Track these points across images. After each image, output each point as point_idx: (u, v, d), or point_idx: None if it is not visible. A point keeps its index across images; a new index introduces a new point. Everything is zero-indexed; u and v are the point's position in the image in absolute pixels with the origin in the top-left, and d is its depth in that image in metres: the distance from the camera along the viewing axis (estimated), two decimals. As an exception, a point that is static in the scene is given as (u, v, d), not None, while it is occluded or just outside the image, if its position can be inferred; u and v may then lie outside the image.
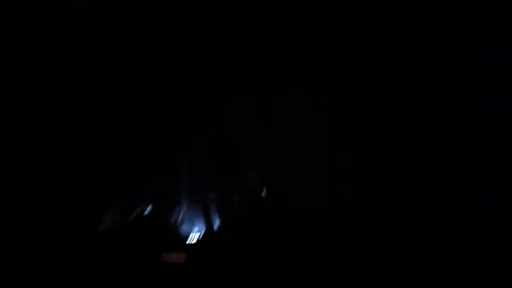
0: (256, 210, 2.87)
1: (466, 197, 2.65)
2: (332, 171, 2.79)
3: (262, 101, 2.99)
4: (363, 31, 2.96)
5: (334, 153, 2.83)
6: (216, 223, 2.91)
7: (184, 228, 2.93)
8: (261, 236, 2.72)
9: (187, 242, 2.87)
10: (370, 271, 2.59)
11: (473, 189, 2.66)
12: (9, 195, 2.75)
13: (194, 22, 3.00)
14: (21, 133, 2.86)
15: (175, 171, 3.00)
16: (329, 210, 2.70)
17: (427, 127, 2.81)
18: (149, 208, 2.94)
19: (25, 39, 2.89)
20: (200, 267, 2.73)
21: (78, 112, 2.93)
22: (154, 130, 3.00)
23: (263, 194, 2.91)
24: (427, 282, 2.55)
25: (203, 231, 2.91)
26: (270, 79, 2.97)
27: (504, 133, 2.70)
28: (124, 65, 2.97)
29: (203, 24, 3.01)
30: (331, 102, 2.91)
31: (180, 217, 2.95)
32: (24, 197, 2.76)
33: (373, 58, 2.93)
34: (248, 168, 2.96)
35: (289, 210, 2.78)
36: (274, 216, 2.79)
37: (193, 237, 2.89)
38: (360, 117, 2.87)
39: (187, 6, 3.01)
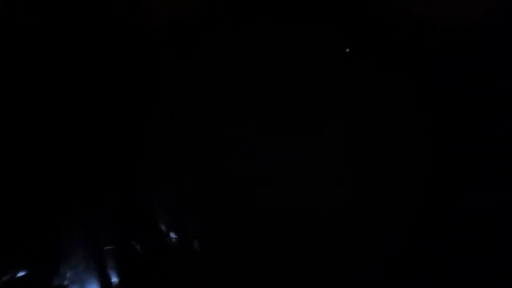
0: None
1: (466, 197, 2.65)
2: (330, 170, 2.80)
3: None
4: (362, 30, 2.96)
5: (331, 152, 2.83)
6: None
7: None
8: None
9: None
10: (370, 271, 2.60)
11: (473, 189, 2.66)
12: None
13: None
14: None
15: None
16: (328, 210, 2.71)
17: (427, 128, 2.81)
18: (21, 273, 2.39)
19: (24, 38, 2.89)
20: None
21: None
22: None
23: (172, 238, 2.60)
24: (427, 282, 2.55)
25: None
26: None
27: (504, 133, 2.70)
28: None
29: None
30: (327, 102, 2.90)
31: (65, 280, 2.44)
32: None
33: (373, 58, 2.93)
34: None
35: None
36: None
37: None
38: (357, 117, 2.87)
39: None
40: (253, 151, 2.86)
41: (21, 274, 2.35)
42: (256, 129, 2.89)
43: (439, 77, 2.85)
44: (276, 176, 2.81)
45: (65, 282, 2.42)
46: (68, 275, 2.42)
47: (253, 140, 2.87)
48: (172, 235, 2.57)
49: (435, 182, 2.74)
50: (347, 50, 2.71)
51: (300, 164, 2.81)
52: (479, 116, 2.75)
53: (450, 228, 2.64)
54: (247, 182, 2.84)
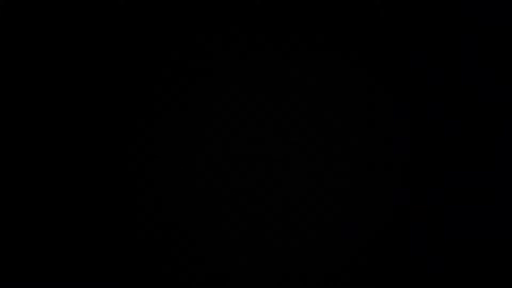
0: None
1: (465, 197, 2.65)
2: (329, 171, 2.80)
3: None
4: (362, 32, 2.96)
5: (327, 151, 2.83)
6: None
7: None
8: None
9: None
10: (369, 271, 2.59)
11: (472, 188, 2.65)
12: None
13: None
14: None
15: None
16: (326, 208, 2.70)
17: (427, 129, 2.81)
18: None
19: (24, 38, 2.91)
20: None
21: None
22: None
23: None
24: (427, 282, 2.54)
25: None
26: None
27: (504, 133, 2.69)
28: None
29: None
30: (323, 105, 2.90)
31: None
32: None
33: (373, 59, 2.93)
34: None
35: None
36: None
37: None
38: (356, 120, 2.87)
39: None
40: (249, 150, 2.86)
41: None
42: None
43: (440, 77, 2.84)
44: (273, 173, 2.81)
45: None
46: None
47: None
48: None
49: (435, 182, 2.73)
50: None
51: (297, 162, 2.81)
52: (479, 116, 2.74)
53: (450, 227, 2.63)
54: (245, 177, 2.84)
